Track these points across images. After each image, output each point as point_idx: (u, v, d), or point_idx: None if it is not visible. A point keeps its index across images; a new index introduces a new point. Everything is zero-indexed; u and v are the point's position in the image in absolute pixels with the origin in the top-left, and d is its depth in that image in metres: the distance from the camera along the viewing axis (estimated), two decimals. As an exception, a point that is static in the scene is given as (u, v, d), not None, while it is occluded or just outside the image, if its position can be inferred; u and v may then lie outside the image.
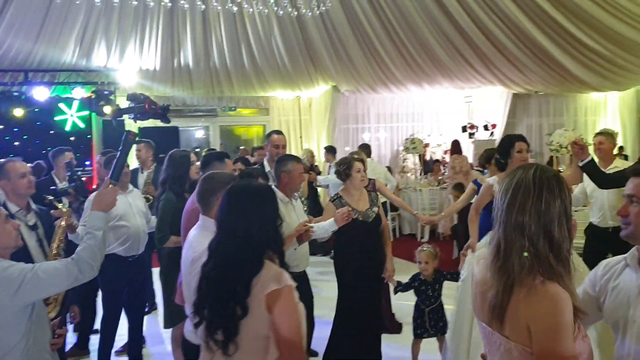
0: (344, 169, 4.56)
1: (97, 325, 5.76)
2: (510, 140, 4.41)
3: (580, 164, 4.13)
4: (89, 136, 11.08)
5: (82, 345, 5.49)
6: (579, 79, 12.54)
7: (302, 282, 4.13)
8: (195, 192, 2.93)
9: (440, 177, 11.76)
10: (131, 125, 10.30)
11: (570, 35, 10.84)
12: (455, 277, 4.62)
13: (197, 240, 2.67)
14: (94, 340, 5.64)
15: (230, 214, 2.17)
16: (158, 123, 10.56)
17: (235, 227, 2.13)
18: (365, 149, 8.43)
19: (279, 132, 5.40)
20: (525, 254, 1.68)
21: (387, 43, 11.74)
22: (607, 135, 5.50)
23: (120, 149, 3.06)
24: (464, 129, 13.98)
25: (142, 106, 2.84)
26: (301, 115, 13.81)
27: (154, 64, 11.48)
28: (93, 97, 10.59)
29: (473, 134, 13.88)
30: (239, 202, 2.18)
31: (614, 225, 4.63)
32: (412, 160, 13.35)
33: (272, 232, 2.18)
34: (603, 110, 14.60)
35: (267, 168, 5.12)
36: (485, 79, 13.14)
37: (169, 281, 4.30)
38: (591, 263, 3.08)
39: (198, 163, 5.10)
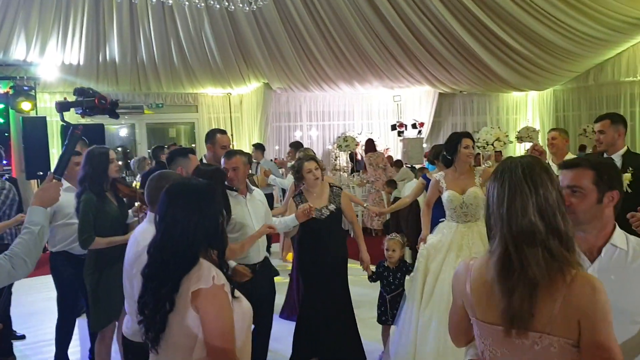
0: (296, 172, 4.63)
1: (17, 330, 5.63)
2: (457, 136, 4.56)
3: None
4: (6, 134, 10.48)
5: (6, 352, 5.18)
6: (501, 78, 13.10)
7: (255, 275, 3.94)
8: (145, 191, 2.90)
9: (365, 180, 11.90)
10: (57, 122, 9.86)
11: (494, 35, 11.31)
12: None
13: (143, 236, 2.63)
14: (20, 347, 5.38)
15: (167, 212, 2.15)
16: (81, 120, 10.11)
17: (172, 224, 2.11)
18: (296, 146, 8.36)
19: (223, 132, 5.15)
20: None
21: (319, 41, 11.80)
22: (561, 131, 5.70)
23: (65, 143, 2.93)
24: (394, 127, 14.28)
25: (91, 100, 2.67)
26: (232, 112, 13.64)
27: (78, 58, 11.00)
28: (11, 92, 10.03)
29: (402, 132, 14.20)
30: (177, 200, 2.15)
31: None
32: (345, 158, 13.47)
33: (212, 229, 2.14)
34: (523, 109, 15.42)
35: None
36: (414, 78, 13.47)
37: (99, 282, 4.10)
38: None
39: (141, 159, 4.90)
